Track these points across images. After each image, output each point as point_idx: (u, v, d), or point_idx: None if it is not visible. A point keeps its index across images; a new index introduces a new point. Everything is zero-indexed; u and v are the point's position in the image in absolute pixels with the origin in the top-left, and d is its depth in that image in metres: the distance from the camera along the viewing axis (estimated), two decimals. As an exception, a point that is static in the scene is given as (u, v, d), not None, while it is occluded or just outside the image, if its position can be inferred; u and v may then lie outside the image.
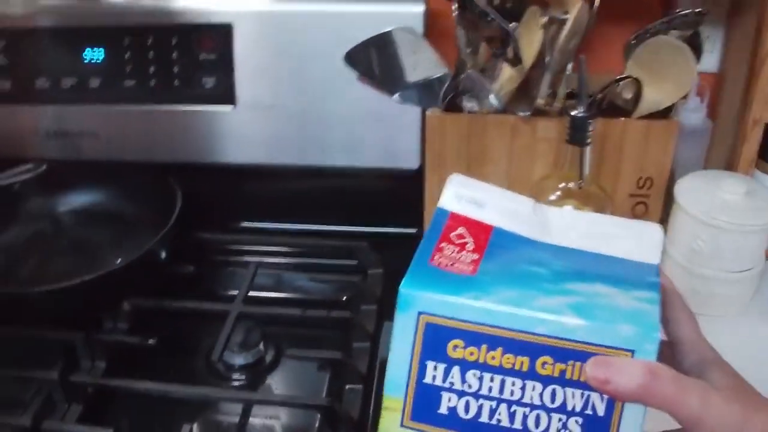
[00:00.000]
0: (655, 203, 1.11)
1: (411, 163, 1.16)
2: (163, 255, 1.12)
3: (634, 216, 1.10)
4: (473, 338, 0.56)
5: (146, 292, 1.10)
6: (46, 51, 1.18)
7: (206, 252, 1.23)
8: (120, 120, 1.21)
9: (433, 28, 1.12)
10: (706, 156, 1.24)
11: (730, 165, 1.19)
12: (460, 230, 0.62)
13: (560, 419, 0.56)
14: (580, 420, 0.55)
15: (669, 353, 0.61)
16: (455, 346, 0.57)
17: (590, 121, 0.95)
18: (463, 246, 0.61)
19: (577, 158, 0.97)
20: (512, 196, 0.66)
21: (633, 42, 1.06)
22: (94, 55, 1.16)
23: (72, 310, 1.05)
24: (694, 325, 0.62)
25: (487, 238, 0.62)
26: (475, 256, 0.60)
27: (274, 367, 1.04)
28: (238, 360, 1.03)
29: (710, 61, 1.23)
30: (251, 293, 1.09)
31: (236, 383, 1.02)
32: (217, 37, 1.13)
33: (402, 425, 0.58)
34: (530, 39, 1.03)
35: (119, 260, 1.10)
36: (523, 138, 1.07)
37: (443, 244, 0.61)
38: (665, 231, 1.11)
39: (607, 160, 1.08)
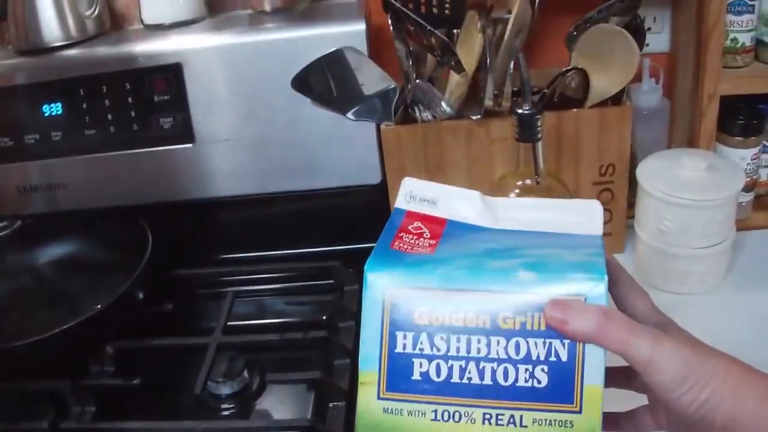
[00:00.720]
0: (621, 188, 1.13)
1: (373, 178, 1.18)
2: (140, 296, 1.14)
3: (601, 203, 1.13)
4: (437, 304, 0.60)
5: (128, 333, 1.12)
6: (6, 110, 1.21)
7: (184, 288, 1.25)
8: (85, 169, 1.23)
9: (380, 43, 1.15)
10: (669, 135, 1.26)
11: (691, 141, 1.21)
12: (417, 224, 0.67)
13: (527, 369, 0.59)
14: (545, 368, 0.59)
15: None
16: (421, 314, 0.61)
17: (537, 116, 0.96)
18: (420, 234, 0.65)
19: (530, 155, 0.99)
20: (461, 191, 0.70)
21: (574, 33, 1.08)
22: (53, 109, 1.19)
23: (57, 359, 1.07)
24: (645, 296, 0.65)
25: (442, 229, 0.66)
26: (432, 242, 0.64)
27: (260, 393, 1.06)
28: (225, 390, 1.04)
29: (661, 41, 1.26)
30: (231, 323, 1.11)
31: (225, 413, 1.04)
32: (168, 78, 1.15)
33: (379, 398, 0.61)
34: (471, 43, 1.06)
35: (98, 306, 1.12)
36: (478, 141, 1.09)
37: (402, 234, 0.65)
38: (634, 215, 1.14)
39: (565, 152, 1.10)
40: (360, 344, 0.62)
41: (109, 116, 1.19)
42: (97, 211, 1.27)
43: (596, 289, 0.58)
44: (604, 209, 1.08)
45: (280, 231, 1.28)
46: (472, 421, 0.60)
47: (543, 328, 0.59)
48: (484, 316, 0.60)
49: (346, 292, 1.16)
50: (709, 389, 0.55)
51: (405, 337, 0.61)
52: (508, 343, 0.59)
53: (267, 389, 1.06)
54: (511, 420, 0.60)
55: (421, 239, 0.65)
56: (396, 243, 0.64)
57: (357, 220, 1.19)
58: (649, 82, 1.21)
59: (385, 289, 0.62)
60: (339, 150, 1.17)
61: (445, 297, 0.61)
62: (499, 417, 0.60)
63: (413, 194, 0.70)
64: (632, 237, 1.15)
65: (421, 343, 0.61)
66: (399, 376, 0.61)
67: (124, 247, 1.21)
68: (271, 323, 1.18)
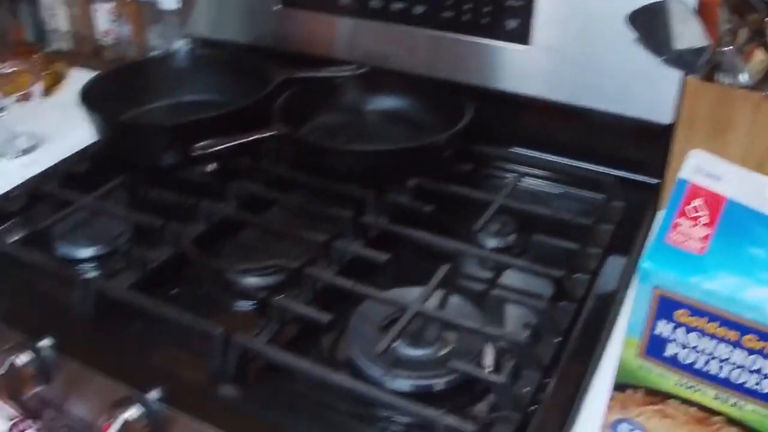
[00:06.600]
0: None
1: (665, 118, 1.36)
2: (447, 152, 1.40)
3: None
4: (696, 311, 0.74)
5: (428, 176, 1.38)
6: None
7: (479, 163, 1.50)
8: (433, 43, 1.52)
9: (703, 4, 1.31)
10: None
11: None
12: (697, 202, 0.77)
13: (757, 378, 0.74)
14: None
15: None
16: (681, 314, 0.75)
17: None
18: (696, 219, 0.76)
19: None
20: (748, 174, 0.81)
21: None
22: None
23: (367, 174, 1.36)
24: None
25: (719, 210, 0.76)
26: (707, 231, 0.75)
27: (520, 255, 1.27)
28: (492, 242, 1.29)
29: None
30: (510, 199, 1.34)
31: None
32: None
33: (637, 356, 0.79)
34: (786, 29, 1.27)
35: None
36: (765, 114, 1.26)
37: (680, 219, 0.76)
38: None
39: None
40: (630, 315, 0.78)
41: (466, 7, 1.46)
42: (429, 79, 1.56)
43: None
44: None
45: (568, 141, 1.51)
46: (705, 395, 0.78)
47: None
48: (733, 333, 0.73)
49: (613, 206, 1.38)
50: None
51: (665, 325, 0.76)
52: (748, 356, 0.73)
53: (527, 253, 1.29)
54: (735, 404, 0.76)
55: (697, 227, 0.75)
56: (672, 234, 0.75)
57: (639, 151, 1.43)
58: None
59: (655, 286, 0.75)
60: (647, 83, 1.36)
61: (704, 309, 0.73)
62: (726, 398, 0.77)
63: (700, 167, 0.79)
64: None
65: (677, 333, 0.76)
66: (655, 349, 0.78)
67: (442, 113, 1.48)
68: (542, 211, 1.35)
